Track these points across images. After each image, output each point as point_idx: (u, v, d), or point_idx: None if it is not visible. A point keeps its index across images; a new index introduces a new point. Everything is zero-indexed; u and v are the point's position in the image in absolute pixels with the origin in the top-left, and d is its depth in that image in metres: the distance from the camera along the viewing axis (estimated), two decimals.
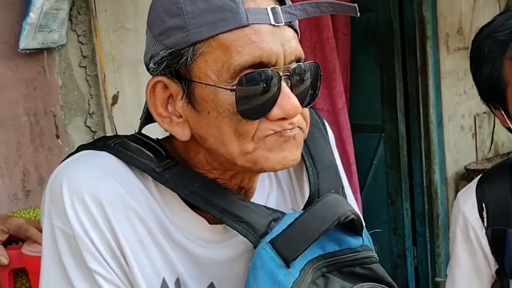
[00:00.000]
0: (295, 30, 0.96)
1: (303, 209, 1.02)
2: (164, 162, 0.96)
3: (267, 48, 0.90)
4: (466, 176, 3.70)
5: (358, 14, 0.95)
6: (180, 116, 0.94)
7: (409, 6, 3.58)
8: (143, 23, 2.25)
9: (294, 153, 0.95)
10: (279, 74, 0.91)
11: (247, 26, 0.89)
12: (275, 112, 0.91)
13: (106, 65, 2.07)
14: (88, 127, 2.08)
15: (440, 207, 3.71)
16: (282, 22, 0.92)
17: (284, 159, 0.94)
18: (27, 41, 1.81)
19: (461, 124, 3.79)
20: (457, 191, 3.67)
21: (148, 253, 0.95)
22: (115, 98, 2.13)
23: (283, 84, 0.91)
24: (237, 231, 0.95)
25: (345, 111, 3.21)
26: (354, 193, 3.30)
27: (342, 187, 1.10)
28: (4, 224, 1.60)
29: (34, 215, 1.75)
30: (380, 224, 3.78)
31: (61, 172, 0.94)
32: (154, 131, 1.02)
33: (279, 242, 0.92)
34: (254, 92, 0.90)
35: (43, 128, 1.95)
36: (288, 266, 0.91)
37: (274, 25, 0.91)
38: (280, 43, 0.91)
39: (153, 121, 0.99)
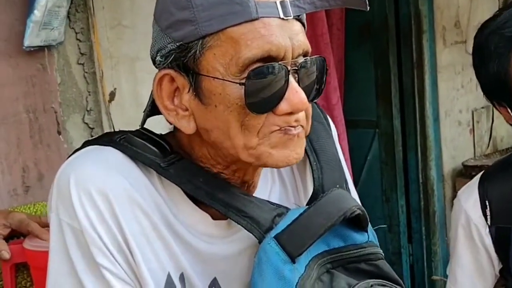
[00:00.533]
0: (303, 24, 0.99)
1: (307, 204, 1.05)
2: (168, 157, 1.00)
3: (276, 42, 0.93)
4: (464, 172, 3.78)
5: (368, 7, 0.98)
6: (186, 109, 0.98)
7: (405, 0, 3.66)
8: (140, 20, 2.39)
9: (297, 151, 0.99)
10: (287, 68, 0.94)
11: (256, 19, 0.93)
12: (283, 106, 0.95)
13: (103, 62, 2.17)
14: (86, 123, 2.18)
15: (436, 204, 3.78)
16: (291, 16, 0.95)
17: (287, 157, 0.98)
18: (31, 39, 1.90)
19: (458, 119, 3.86)
20: (454, 187, 3.78)
21: (154, 248, 0.99)
22: (112, 95, 2.23)
23: (291, 78, 0.95)
24: (242, 226, 0.99)
25: (340, 107, 3.29)
26: None
27: (346, 182, 1.14)
28: (6, 219, 1.66)
29: (34, 210, 1.82)
30: (375, 221, 3.83)
31: (68, 168, 0.98)
32: (155, 126, 1.07)
33: (284, 237, 0.95)
34: (263, 86, 0.93)
35: (42, 125, 2.05)
36: (293, 262, 0.95)
37: (283, 18, 0.94)
38: (288, 36, 0.94)
39: (156, 114, 1.05)
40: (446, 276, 1.73)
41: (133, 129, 1.06)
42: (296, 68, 0.96)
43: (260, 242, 0.97)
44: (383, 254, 1.05)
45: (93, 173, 0.96)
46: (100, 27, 2.16)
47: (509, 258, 1.51)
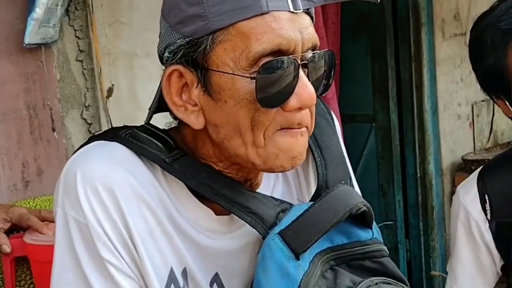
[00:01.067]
0: (311, 17, 1.02)
1: (310, 200, 1.08)
2: (173, 153, 1.04)
3: (286, 36, 0.95)
4: (463, 167, 3.83)
5: (378, 0, 1.02)
6: (195, 105, 1.01)
7: None
8: (138, 17, 2.54)
9: (302, 153, 1.02)
10: (297, 62, 0.96)
11: (266, 13, 0.95)
12: (292, 101, 0.97)
13: (102, 59, 2.28)
14: (84, 119, 2.30)
15: (435, 199, 3.83)
16: (300, 9, 0.98)
17: (293, 159, 1.00)
18: (31, 37, 2.01)
19: (457, 113, 3.91)
20: (453, 182, 3.83)
21: (158, 243, 1.02)
22: (110, 91, 2.34)
23: (301, 72, 0.97)
24: (246, 222, 1.01)
25: (335, 101, 3.36)
26: None
27: (350, 178, 1.17)
28: (7, 213, 1.75)
29: (34, 205, 1.91)
30: None
31: (75, 163, 1.02)
32: (160, 123, 1.12)
33: (288, 234, 0.97)
34: (273, 80, 0.95)
35: (42, 121, 2.17)
36: (297, 258, 0.97)
37: (292, 12, 0.97)
38: (298, 30, 0.97)
39: (162, 110, 1.08)
40: (445, 272, 1.75)
41: (138, 125, 1.10)
42: (306, 62, 0.98)
43: (264, 238, 0.99)
44: (387, 251, 1.07)
45: (99, 168, 1.00)
46: (98, 24, 2.26)
47: (511, 254, 1.54)
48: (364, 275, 1.03)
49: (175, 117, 1.08)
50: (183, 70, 1.00)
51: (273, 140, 0.99)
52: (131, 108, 2.39)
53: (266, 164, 1.00)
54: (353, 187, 1.16)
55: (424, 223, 3.93)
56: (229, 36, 0.96)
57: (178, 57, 1.00)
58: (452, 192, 2.54)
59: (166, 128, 1.12)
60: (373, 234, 1.06)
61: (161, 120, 1.17)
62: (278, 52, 0.96)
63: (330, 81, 1.03)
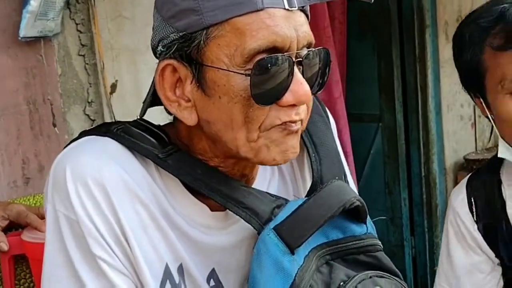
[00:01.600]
0: (307, 15, 0.97)
1: (306, 196, 1.04)
2: (166, 148, 0.98)
3: (281, 33, 0.91)
4: (465, 166, 3.73)
5: (372, 0, 0.96)
6: (189, 100, 0.96)
7: None
8: (141, 11, 2.33)
9: (295, 147, 0.97)
10: (292, 59, 0.92)
11: (261, 10, 0.90)
12: (287, 98, 0.92)
13: (104, 54, 2.13)
14: (87, 115, 2.14)
15: (438, 197, 3.74)
16: (295, 7, 0.93)
17: (285, 152, 0.96)
18: (27, 29, 1.86)
19: (460, 113, 3.81)
20: (456, 181, 3.73)
21: (151, 239, 0.97)
22: (113, 87, 2.19)
23: (296, 70, 0.93)
24: (241, 217, 0.97)
25: (342, 101, 3.24)
26: None
27: (345, 174, 1.12)
28: (5, 210, 1.66)
29: (34, 202, 1.81)
30: (378, 213, 3.83)
31: (65, 158, 0.95)
32: (155, 118, 1.04)
33: (283, 229, 0.94)
34: (268, 77, 0.91)
35: (43, 116, 2.01)
36: (292, 253, 0.93)
37: (287, 9, 0.92)
38: (293, 27, 0.92)
39: (155, 105, 1.02)
40: None
41: (131, 120, 1.03)
42: (301, 59, 0.93)
43: (259, 233, 0.96)
44: (381, 246, 1.03)
45: (90, 163, 0.94)
46: (100, 19, 2.11)
47: (500, 251, 1.48)
48: (359, 269, 0.99)
49: (169, 112, 1.02)
50: (176, 65, 0.95)
51: (268, 134, 0.94)
52: (134, 104, 2.23)
53: (258, 157, 0.96)
54: (347, 183, 1.11)
55: (428, 220, 3.82)
56: (223, 32, 0.91)
57: (171, 51, 0.94)
58: None
59: (162, 124, 1.05)
60: (367, 229, 1.03)
61: (159, 116, 1.07)
62: (273, 49, 0.91)
63: (325, 79, 0.99)
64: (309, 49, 0.95)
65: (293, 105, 0.93)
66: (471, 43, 1.38)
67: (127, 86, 2.24)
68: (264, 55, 0.90)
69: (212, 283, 1.02)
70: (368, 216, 1.04)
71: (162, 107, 1.01)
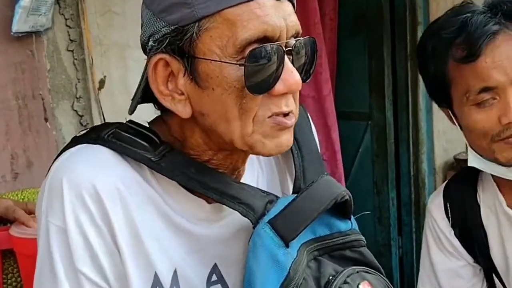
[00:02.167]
0: (293, 5, 1.01)
1: (293, 193, 1.07)
2: (158, 150, 1.00)
3: (271, 23, 0.94)
4: (455, 166, 3.75)
5: None
6: (182, 94, 0.98)
7: None
8: (130, 7, 2.38)
9: (288, 139, 1.00)
10: (283, 48, 0.95)
11: (251, 0, 0.94)
12: (279, 87, 0.96)
13: (93, 49, 2.17)
14: (75, 111, 2.18)
15: (427, 197, 3.75)
16: None
17: (280, 146, 0.99)
18: (19, 25, 1.90)
19: None
20: (445, 181, 3.77)
21: (144, 248, 0.99)
22: (102, 82, 2.23)
23: (286, 59, 0.96)
24: (238, 211, 1.00)
25: (331, 98, 3.27)
26: (338, 181, 3.36)
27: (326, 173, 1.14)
28: None
29: (22, 197, 1.83)
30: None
31: (60, 169, 0.98)
32: (146, 114, 1.07)
33: (277, 222, 0.97)
34: (261, 66, 0.94)
35: (32, 112, 2.05)
36: (287, 246, 0.96)
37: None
38: (282, 17, 0.95)
39: (146, 101, 1.05)
40: None
41: (120, 122, 1.05)
42: (290, 48, 0.97)
43: (254, 227, 0.99)
44: (365, 241, 1.08)
45: (85, 175, 0.96)
46: (90, 14, 2.15)
47: (477, 255, 1.52)
48: (345, 264, 1.03)
49: (159, 108, 1.05)
50: (169, 59, 0.97)
51: (262, 128, 0.98)
52: (123, 100, 2.27)
53: (253, 150, 1.00)
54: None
55: (416, 220, 3.87)
56: (215, 24, 0.94)
57: (163, 46, 0.96)
58: None
59: (149, 122, 1.08)
60: (352, 225, 1.07)
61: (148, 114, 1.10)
62: (264, 39, 0.94)
63: (313, 68, 1.02)
64: (297, 39, 0.98)
65: (284, 94, 0.97)
66: (434, 55, 1.39)
67: (116, 82, 2.28)
68: (255, 45, 0.93)
69: (214, 278, 1.06)
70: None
71: (151, 104, 1.05)
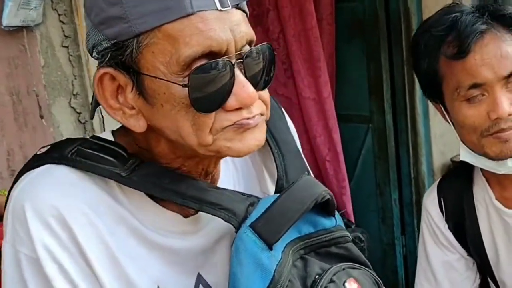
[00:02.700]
0: (244, 11, 0.89)
1: (275, 192, 0.99)
2: (127, 164, 0.89)
3: (216, 37, 0.83)
4: (452, 167, 3.55)
5: None
6: (133, 108, 0.87)
7: None
8: None
9: (257, 138, 0.89)
10: (231, 62, 0.84)
11: (192, 14, 0.82)
12: (231, 102, 0.85)
13: None
14: (73, 107, 2.01)
15: None
16: (229, 6, 0.85)
17: (247, 146, 0.88)
18: (10, 18, 1.76)
19: None
20: None
21: (121, 268, 0.89)
22: None
23: (237, 72, 0.85)
24: (220, 217, 0.90)
25: (331, 101, 3.13)
26: (342, 181, 3.20)
27: (308, 171, 1.07)
28: None
29: None
30: (369, 213, 3.73)
31: (23, 196, 0.86)
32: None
33: (259, 225, 0.89)
34: (207, 84, 0.83)
35: (27, 108, 1.89)
36: (270, 249, 0.88)
37: (221, 10, 0.84)
38: (229, 28, 0.84)
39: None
40: None
41: (83, 138, 0.94)
42: (242, 59, 0.86)
43: (237, 231, 0.90)
44: (350, 237, 1.00)
45: (49, 200, 0.85)
46: (83, 9, 1.96)
47: (470, 248, 1.48)
48: (331, 261, 0.96)
49: None
50: (114, 73, 0.85)
51: (223, 134, 0.86)
52: None
53: (219, 154, 0.89)
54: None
55: (418, 220, 3.67)
56: (155, 39, 0.82)
57: (106, 59, 0.85)
58: None
59: (114, 132, 0.95)
60: (336, 222, 0.99)
61: None
62: (210, 54, 0.83)
63: (271, 75, 0.91)
64: (250, 48, 0.87)
65: (240, 108, 0.86)
66: (426, 52, 1.36)
67: None
68: (201, 61, 0.83)
69: None
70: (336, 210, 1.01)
71: None
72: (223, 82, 0.84)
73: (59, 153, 0.90)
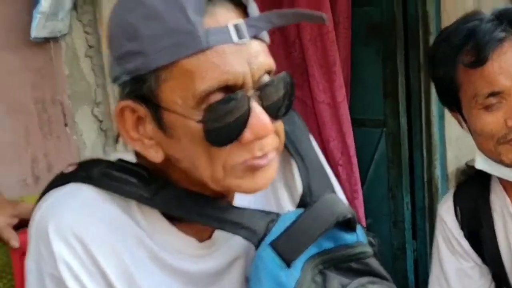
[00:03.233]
0: (263, 40, 0.90)
1: (297, 207, 1.03)
2: (151, 187, 0.94)
3: (232, 71, 0.85)
4: (467, 172, 3.50)
5: (327, 23, 0.90)
6: (152, 138, 0.91)
7: (412, 1, 3.55)
8: None
9: (268, 177, 0.92)
10: (247, 95, 0.86)
11: (208, 49, 0.84)
12: (247, 135, 0.87)
13: None
14: (95, 116, 2.10)
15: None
16: (246, 38, 0.86)
17: (258, 185, 0.92)
18: (38, 30, 1.82)
19: None
20: None
21: (137, 286, 0.94)
22: None
23: (253, 104, 0.87)
24: (241, 236, 0.94)
25: (345, 105, 3.19)
26: (354, 185, 3.28)
27: (332, 185, 1.10)
28: (15, 208, 1.63)
29: None
30: (381, 217, 3.79)
31: (47, 215, 0.92)
32: None
33: (279, 244, 0.92)
34: (223, 118, 0.85)
35: (51, 117, 1.97)
36: (289, 267, 0.91)
37: (238, 43, 0.86)
38: (246, 61, 0.86)
39: None
40: None
41: (109, 160, 0.99)
42: (259, 91, 0.88)
43: (257, 249, 0.94)
44: (372, 252, 1.02)
45: (73, 221, 0.91)
46: (106, 20, 2.05)
47: (485, 256, 1.50)
48: (351, 276, 0.99)
49: None
50: (134, 106, 0.90)
51: (235, 172, 0.90)
52: None
53: (229, 190, 0.94)
54: (335, 193, 1.09)
55: (430, 224, 3.74)
56: (172, 74, 0.85)
57: (126, 92, 0.89)
58: None
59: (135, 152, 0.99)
60: (357, 237, 1.01)
61: None
62: (226, 88, 0.85)
63: (290, 104, 0.93)
64: (268, 77, 0.89)
65: (255, 139, 0.88)
66: (444, 61, 1.38)
67: None
68: (217, 94, 0.85)
69: None
70: (359, 224, 1.03)
71: None
72: (239, 115, 0.86)
73: (86, 172, 0.96)
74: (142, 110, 0.89)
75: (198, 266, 0.99)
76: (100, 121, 2.12)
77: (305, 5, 2.90)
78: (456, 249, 1.51)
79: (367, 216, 3.40)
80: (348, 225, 0.99)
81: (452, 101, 1.41)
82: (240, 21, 0.86)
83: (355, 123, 3.40)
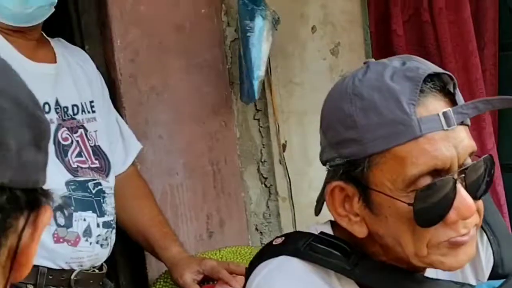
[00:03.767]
0: (467, 125, 0.97)
1: (489, 279, 1.08)
2: (351, 259, 1.02)
3: (441, 156, 0.92)
4: None
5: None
6: (357, 215, 1.00)
7: None
8: (309, 77, 2.50)
9: (468, 254, 0.98)
10: (454, 178, 0.93)
11: (420, 136, 0.92)
12: (451, 216, 0.94)
13: (279, 117, 2.30)
14: (261, 173, 2.32)
15: None
16: (454, 125, 0.93)
17: (459, 262, 0.98)
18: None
19: None
20: None
21: None
22: (283, 147, 2.34)
23: (458, 186, 0.94)
24: None
25: (495, 152, 3.15)
26: None
27: None
28: (200, 265, 1.83)
29: (220, 256, 1.98)
30: None
31: (264, 285, 1.04)
32: None
33: None
34: (431, 201, 0.93)
35: (224, 176, 2.20)
36: None
37: (447, 129, 0.93)
38: (453, 146, 0.93)
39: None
40: None
41: (313, 233, 1.09)
42: (464, 175, 0.95)
43: None
44: None
45: None
46: (274, 85, 2.29)
47: None
48: None
49: None
50: (344, 185, 1.00)
51: (438, 250, 0.97)
52: (302, 163, 2.36)
53: (431, 267, 1.00)
54: None
55: None
56: (384, 159, 0.94)
57: (339, 173, 0.99)
58: None
59: (332, 222, 1.09)
60: None
61: None
62: (434, 172, 0.93)
63: (489, 184, 0.99)
64: (469, 164, 0.95)
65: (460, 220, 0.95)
66: None
67: (295, 146, 2.37)
68: (425, 178, 0.93)
69: None
70: None
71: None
72: (446, 198, 0.93)
73: (294, 245, 1.06)
74: (351, 189, 0.99)
75: None
76: (265, 178, 2.33)
77: (452, 56, 3.00)
78: None
79: None
80: None
81: None
82: (449, 109, 0.94)
83: (505, 168, 3.31)
